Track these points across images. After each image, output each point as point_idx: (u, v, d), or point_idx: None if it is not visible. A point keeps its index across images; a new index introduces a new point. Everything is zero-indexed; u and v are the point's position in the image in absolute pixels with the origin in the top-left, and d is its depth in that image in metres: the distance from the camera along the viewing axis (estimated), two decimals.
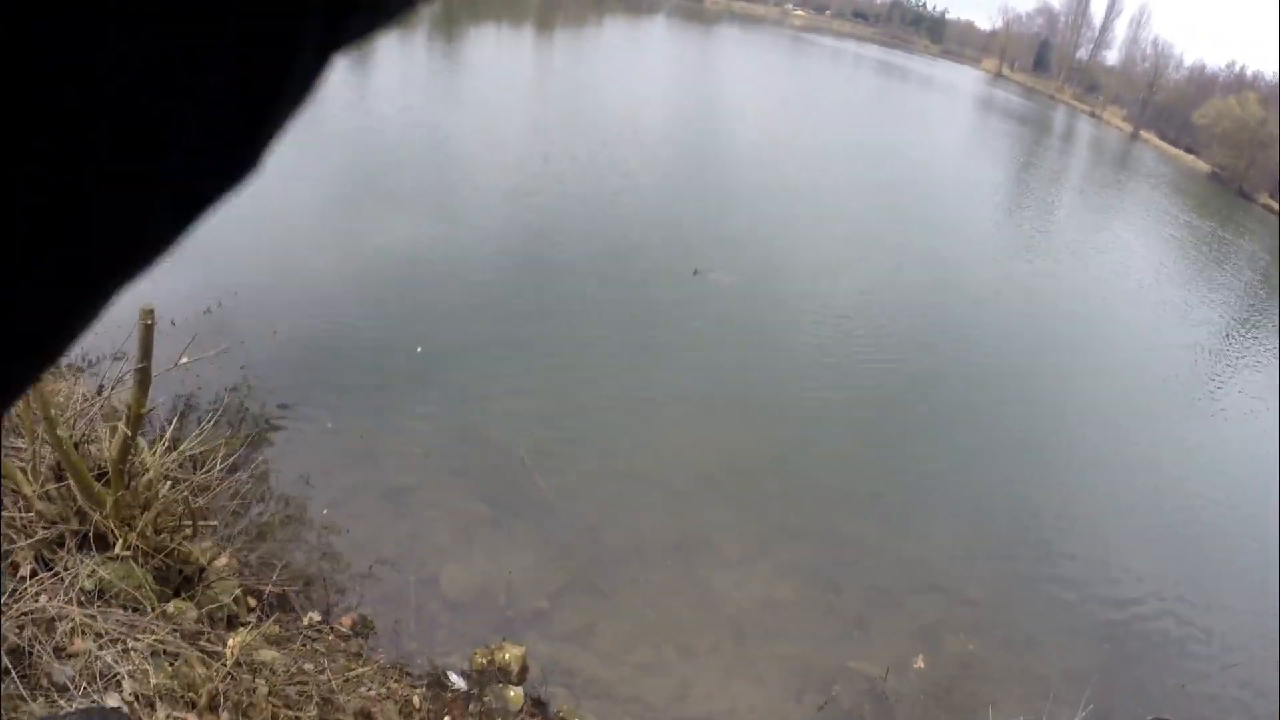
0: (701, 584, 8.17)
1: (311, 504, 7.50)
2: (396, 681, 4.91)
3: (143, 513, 4.26)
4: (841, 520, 9.27)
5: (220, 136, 0.30)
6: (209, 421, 5.97)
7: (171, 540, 4.35)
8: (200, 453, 5.37)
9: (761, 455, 10.07)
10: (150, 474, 4.46)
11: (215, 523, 5.49)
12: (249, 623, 4.72)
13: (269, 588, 5.23)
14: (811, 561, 8.61)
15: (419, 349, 10.56)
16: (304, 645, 4.79)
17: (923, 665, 7.06)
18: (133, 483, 4.39)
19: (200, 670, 3.42)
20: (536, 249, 13.68)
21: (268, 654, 4.31)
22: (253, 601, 5.15)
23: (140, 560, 4.15)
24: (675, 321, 12.43)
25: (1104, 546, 9.51)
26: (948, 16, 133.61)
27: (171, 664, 3.57)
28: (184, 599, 4.21)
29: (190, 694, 3.36)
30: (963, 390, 12.31)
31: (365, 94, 19.87)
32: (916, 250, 17.46)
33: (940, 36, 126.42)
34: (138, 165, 0.28)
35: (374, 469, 8.41)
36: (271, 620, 4.92)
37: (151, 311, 4.32)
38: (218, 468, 5.30)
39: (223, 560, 5.34)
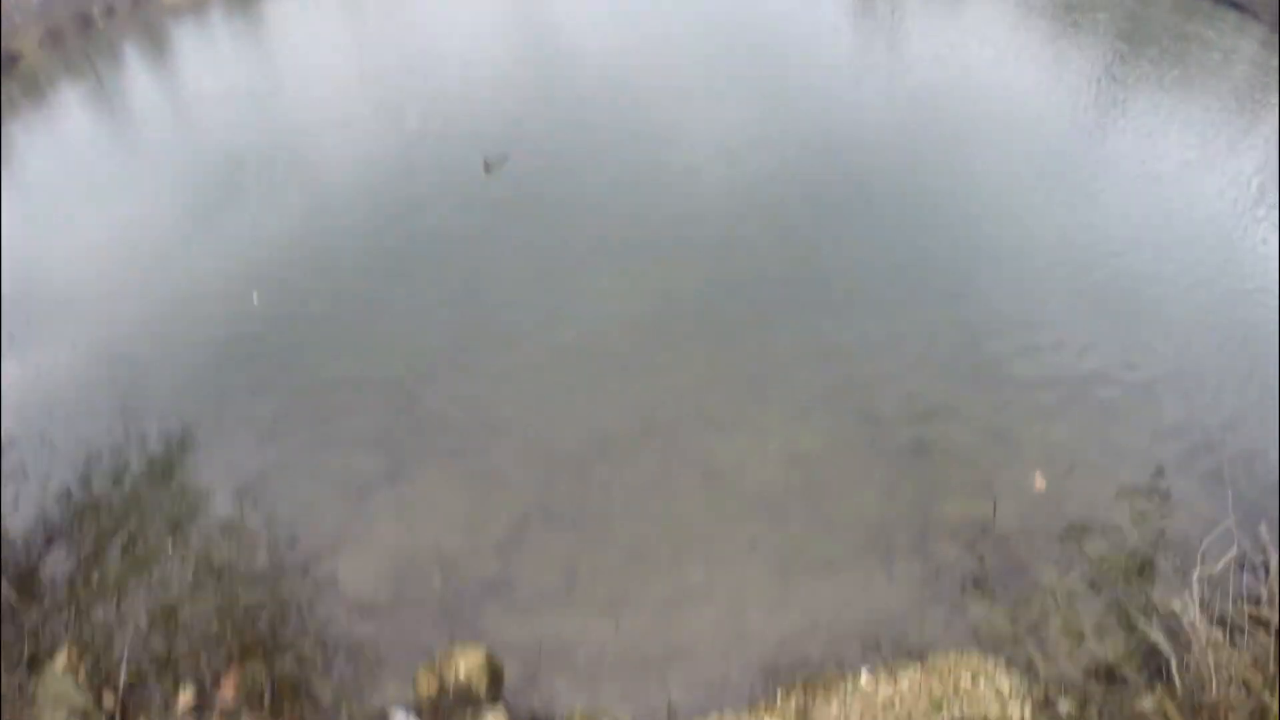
0: (701, 464, 5.83)
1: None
2: None
3: None
4: (828, 328, 6.99)
5: None
6: None
7: None
8: None
9: (702, 288, 7.65)
10: None
11: None
12: None
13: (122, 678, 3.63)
14: (820, 390, 6.37)
15: (255, 298, 8.03)
16: None
17: (1043, 485, 5.07)
18: None
19: None
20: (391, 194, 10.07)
21: None
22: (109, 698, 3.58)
23: None
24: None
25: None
26: None
27: None
28: None
29: None
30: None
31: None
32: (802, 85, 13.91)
33: None
34: None
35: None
36: None
37: None
38: None
39: (60, 658, 3.72)
